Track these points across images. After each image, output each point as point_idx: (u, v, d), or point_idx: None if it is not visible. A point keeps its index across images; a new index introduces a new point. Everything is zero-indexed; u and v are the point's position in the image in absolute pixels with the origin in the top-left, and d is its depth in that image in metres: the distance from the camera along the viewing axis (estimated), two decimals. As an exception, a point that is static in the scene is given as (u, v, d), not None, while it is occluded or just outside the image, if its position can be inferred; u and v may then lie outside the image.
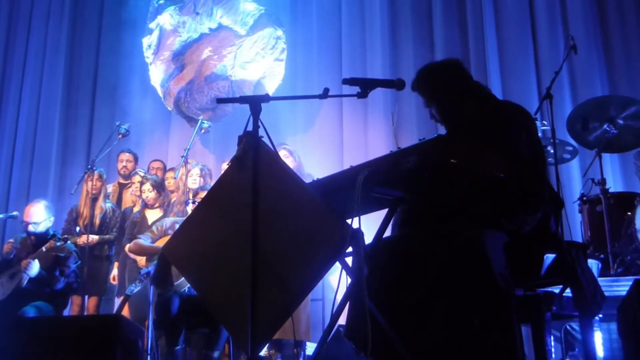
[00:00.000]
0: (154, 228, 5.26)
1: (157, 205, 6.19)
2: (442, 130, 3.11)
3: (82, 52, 9.18)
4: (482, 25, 7.11)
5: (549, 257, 2.64)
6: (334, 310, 2.58)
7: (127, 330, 3.65)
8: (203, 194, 5.21)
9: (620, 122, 5.19)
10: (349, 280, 2.53)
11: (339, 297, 2.57)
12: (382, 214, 2.62)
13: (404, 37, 7.56)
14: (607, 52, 6.68)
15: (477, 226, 2.46)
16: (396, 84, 2.75)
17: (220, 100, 2.81)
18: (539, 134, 5.22)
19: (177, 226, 5.14)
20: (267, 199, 2.49)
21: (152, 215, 6.12)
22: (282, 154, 6.00)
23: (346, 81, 2.71)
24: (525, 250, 2.57)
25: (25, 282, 5.34)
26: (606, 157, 5.71)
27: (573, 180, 6.33)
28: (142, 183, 6.33)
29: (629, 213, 4.97)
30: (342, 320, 2.81)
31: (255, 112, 2.57)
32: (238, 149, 2.71)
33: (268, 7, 8.26)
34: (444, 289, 2.36)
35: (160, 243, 5.06)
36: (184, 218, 5.22)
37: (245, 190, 2.48)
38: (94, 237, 6.31)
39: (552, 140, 4.98)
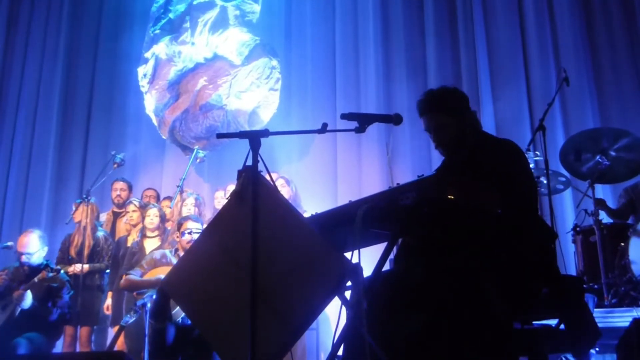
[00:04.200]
0: (143, 262, 5.27)
1: (156, 233, 6.19)
2: (436, 161, 3.13)
3: (78, 80, 9.23)
4: (475, 57, 7.21)
5: (546, 292, 2.66)
6: (334, 342, 2.58)
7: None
8: (186, 224, 5.23)
9: (613, 153, 5.26)
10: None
11: (338, 331, 2.58)
12: (380, 247, 2.64)
13: (397, 65, 7.66)
14: (598, 84, 6.78)
15: (476, 260, 2.48)
16: (393, 119, 2.78)
17: (221, 135, 2.82)
18: (532, 165, 5.31)
19: (166, 257, 5.17)
20: (266, 233, 2.50)
21: (150, 244, 6.12)
22: (279, 183, 6.03)
23: (344, 116, 2.73)
24: (523, 284, 2.59)
25: (17, 313, 5.29)
26: (599, 188, 5.76)
27: (566, 211, 6.37)
28: (147, 208, 6.34)
29: (622, 244, 5.01)
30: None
31: (255, 147, 2.59)
32: (237, 183, 2.73)
33: (263, 37, 8.34)
34: (445, 324, 2.37)
35: (151, 274, 5.06)
36: (175, 248, 5.26)
37: (245, 224, 2.49)
38: (85, 267, 6.27)
39: (545, 171, 5.03)
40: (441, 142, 2.96)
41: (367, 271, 2.54)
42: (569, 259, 5.68)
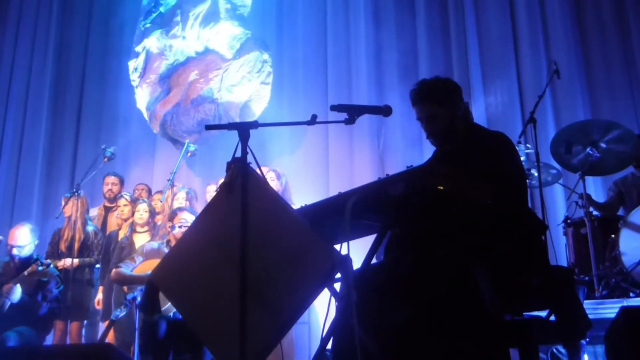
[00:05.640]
0: (134, 254, 5.25)
1: (145, 229, 6.17)
2: (428, 152, 3.13)
3: (69, 74, 9.18)
4: (466, 50, 7.21)
5: (537, 282, 2.66)
6: (323, 335, 2.58)
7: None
8: (181, 215, 5.20)
9: (603, 145, 5.26)
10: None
11: (328, 323, 2.57)
12: (370, 239, 2.64)
13: (389, 59, 7.64)
14: (588, 76, 6.78)
15: (466, 251, 2.47)
16: (383, 110, 2.77)
17: (209, 127, 2.80)
18: (523, 158, 5.32)
19: (158, 249, 5.14)
20: (256, 225, 2.49)
21: (139, 239, 6.10)
22: (269, 176, 6.02)
23: (334, 108, 2.72)
24: (514, 275, 2.59)
25: (6, 307, 5.27)
26: (589, 179, 5.77)
27: (557, 202, 6.39)
28: (137, 203, 6.32)
29: (613, 236, 5.03)
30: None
31: (244, 138, 2.57)
32: (226, 175, 2.71)
33: (254, 30, 8.31)
34: (435, 315, 2.37)
35: (142, 268, 5.03)
36: (167, 240, 5.23)
37: (234, 216, 2.48)
38: (75, 261, 6.25)
39: (536, 164, 5.04)
40: (432, 132, 2.96)
41: (357, 263, 2.53)
42: (560, 251, 5.69)
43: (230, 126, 2.66)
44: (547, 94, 6.04)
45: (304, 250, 2.48)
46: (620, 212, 5.58)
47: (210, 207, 2.93)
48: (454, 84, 3.05)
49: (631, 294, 4.73)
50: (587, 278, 5.05)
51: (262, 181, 2.71)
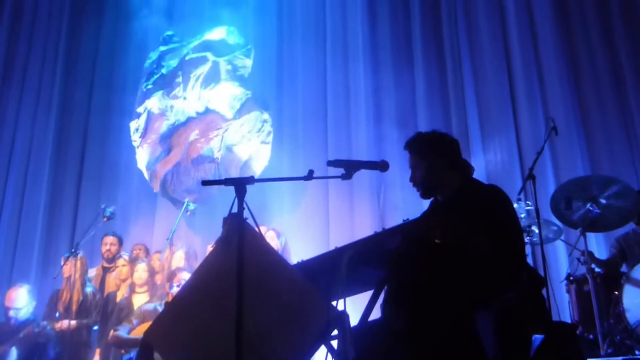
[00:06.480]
0: (131, 317, 5.20)
1: (145, 289, 6.11)
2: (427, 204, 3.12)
3: (70, 134, 9.24)
4: (465, 110, 7.29)
5: (538, 338, 2.61)
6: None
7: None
8: (180, 275, 5.17)
9: (603, 201, 5.24)
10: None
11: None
12: (368, 294, 2.61)
13: (388, 116, 7.71)
14: (586, 132, 6.82)
15: (464, 305, 2.44)
16: (380, 166, 2.78)
17: (206, 183, 2.80)
18: (523, 215, 5.29)
19: (156, 311, 5.08)
20: (252, 281, 2.46)
21: (139, 299, 6.02)
22: (269, 235, 6.00)
23: (331, 163, 2.73)
24: (514, 330, 2.54)
25: (1, 370, 5.19)
26: (591, 236, 5.72)
27: (559, 259, 6.33)
28: (136, 263, 6.28)
29: (616, 292, 4.95)
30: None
31: (240, 194, 2.57)
32: (223, 230, 2.70)
33: (255, 91, 8.42)
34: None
35: (139, 330, 4.97)
36: (164, 302, 5.18)
37: (230, 272, 2.46)
38: (72, 322, 6.16)
39: (536, 220, 5.00)
40: (414, 182, 3.00)
41: (355, 319, 2.49)
42: (564, 309, 5.61)
43: (227, 182, 2.66)
44: (546, 150, 6.07)
45: (300, 305, 2.45)
46: (623, 268, 5.52)
47: (206, 263, 2.91)
48: (442, 138, 3.06)
49: (637, 352, 4.63)
50: (591, 336, 4.95)
51: (259, 236, 2.70)
